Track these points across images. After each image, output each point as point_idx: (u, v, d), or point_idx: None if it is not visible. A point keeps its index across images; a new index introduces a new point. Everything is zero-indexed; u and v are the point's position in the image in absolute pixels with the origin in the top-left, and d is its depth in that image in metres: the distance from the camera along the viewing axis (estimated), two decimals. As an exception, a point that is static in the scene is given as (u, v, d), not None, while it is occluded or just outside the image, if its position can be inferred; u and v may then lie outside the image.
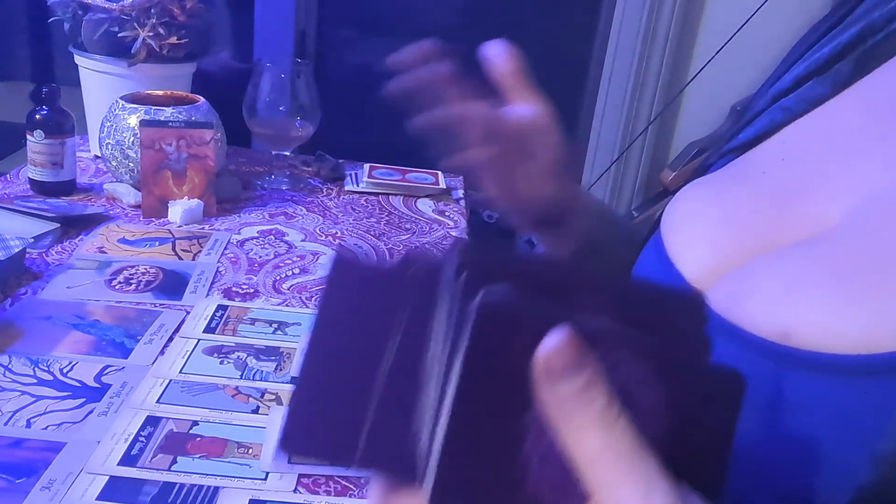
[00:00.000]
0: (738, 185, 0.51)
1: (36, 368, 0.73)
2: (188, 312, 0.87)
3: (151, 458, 0.63)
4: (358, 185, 1.33)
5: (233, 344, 0.81)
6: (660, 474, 0.29)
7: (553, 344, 0.27)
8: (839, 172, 0.46)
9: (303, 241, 1.10)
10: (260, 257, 1.04)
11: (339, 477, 0.64)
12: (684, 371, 0.31)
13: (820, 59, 0.51)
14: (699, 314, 0.33)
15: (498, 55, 0.47)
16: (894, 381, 0.36)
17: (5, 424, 0.65)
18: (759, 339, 0.41)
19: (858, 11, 0.51)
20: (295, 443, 0.31)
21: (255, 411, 0.71)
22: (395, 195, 1.32)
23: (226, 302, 0.90)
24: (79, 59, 1.27)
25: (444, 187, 1.35)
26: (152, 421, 0.68)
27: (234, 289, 0.94)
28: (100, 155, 1.22)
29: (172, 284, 0.93)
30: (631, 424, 0.28)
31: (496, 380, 0.28)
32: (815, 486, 0.38)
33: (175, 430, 0.67)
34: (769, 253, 0.46)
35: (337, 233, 1.14)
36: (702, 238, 0.50)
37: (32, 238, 0.96)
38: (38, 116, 1.11)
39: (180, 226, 1.10)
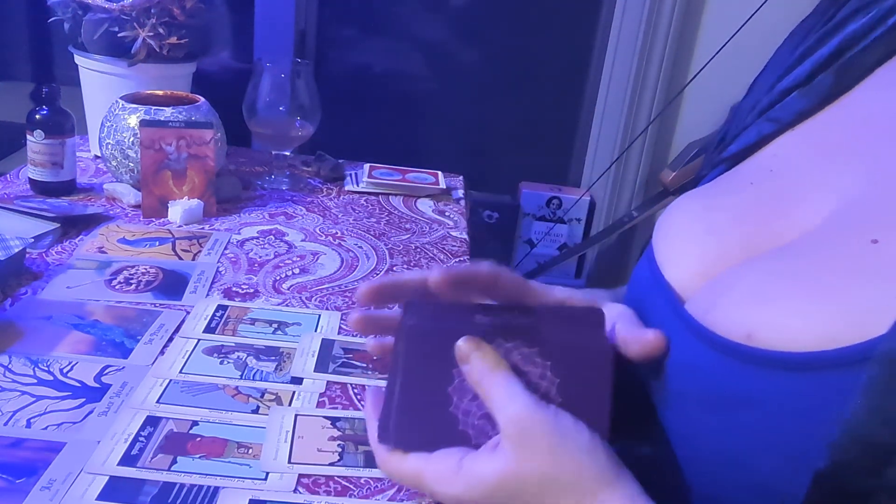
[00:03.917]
0: (727, 197, 0.54)
1: (36, 368, 0.73)
2: (188, 312, 0.87)
3: (151, 458, 0.63)
4: (358, 185, 1.33)
5: (233, 344, 0.81)
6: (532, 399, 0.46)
7: (460, 343, 0.48)
8: (821, 184, 0.48)
9: (303, 241, 1.10)
10: (260, 257, 1.04)
11: (339, 477, 0.64)
12: (562, 350, 0.48)
13: (803, 72, 0.53)
14: (595, 319, 0.50)
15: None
16: (845, 373, 0.38)
17: (5, 424, 0.65)
18: (726, 340, 0.44)
19: (837, 19, 0.53)
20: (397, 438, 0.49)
21: (255, 411, 0.71)
22: (395, 195, 1.32)
23: (226, 302, 0.90)
24: (79, 59, 1.27)
25: (444, 187, 1.35)
26: (152, 421, 0.68)
27: (234, 289, 0.94)
28: (100, 155, 1.22)
29: (172, 284, 0.93)
30: (511, 372, 0.47)
31: (427, 367, 0.49)
32: (777, 474, 0.41)
33: (175, 430, 0.67)
34: (744, 261, 0.49)
35: (337, 233, 1.14)
36: (688, 249, 0.53)
37: (32, 238, 0.96)
38: (38, 116, 1.11)
39: (180, 226, 1.10)
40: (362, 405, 0.73)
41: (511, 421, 0.45)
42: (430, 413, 0.49)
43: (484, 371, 0.47)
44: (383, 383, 0.69)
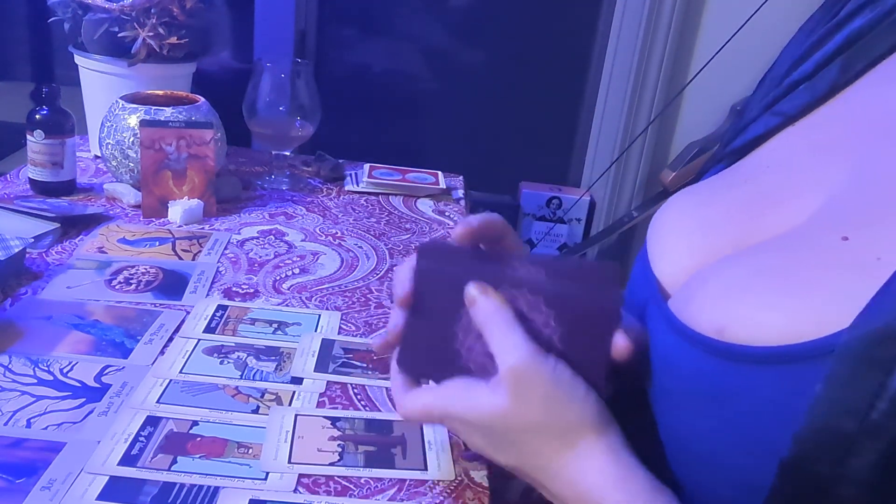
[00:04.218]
0: (721, 195, 0.55)
1: (36, 368, 0.73)
2: (188, 312, 0.87)
3: (151, 458, 0.63)
4: (358, 185, 1.33)
5: (233, 344, 0.81)
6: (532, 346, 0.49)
7: (469, 287, 0.51)
8: (814, 180, 0.49)
9: (303, 241, 1.10)
10: (260, 257, 1.04)
11: (339, 477, 0.64)
12: (567, 300, 0.50)
13: (810, 66, 0.54)
14: (606, 275, 0.51)
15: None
16: (809, 366, 0.39)
17: (5, 424, 0.65)
18: (700, 335, 0.45)
19: (843, 14, 0.54)
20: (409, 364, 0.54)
21: (255, 411, 0.71)
22: (395, 195, 1.32)
23: (226, 302, 0.90)
24: (79, 59, 1.27)
25: (444, 187, 1.35)
26: (152, 421, 0.68)
27: (234, 289, 0.94)
28: (100, 155, 1.22)
29: (172, 284, 0.93)
30: (514, 318, 0.49)
31: (437, 305, 0.53)
32: (747, 465, 0.42)
33: (175, 430, 0.67)
34: (724, 257, 0.50)
35: (337, 233, 1.14)
36: (678, 244, 0.55)
37: (32, 238, 0.96)
38: (38, 116, 1.11)
39: (180, 226, 1.10)
40: (363, 405, 0.73)
41: (510, 369, 0.48)
42: (436, 346, 0.53)
43: (488, 314, 0.50)
44: (384, 383, 0.73)
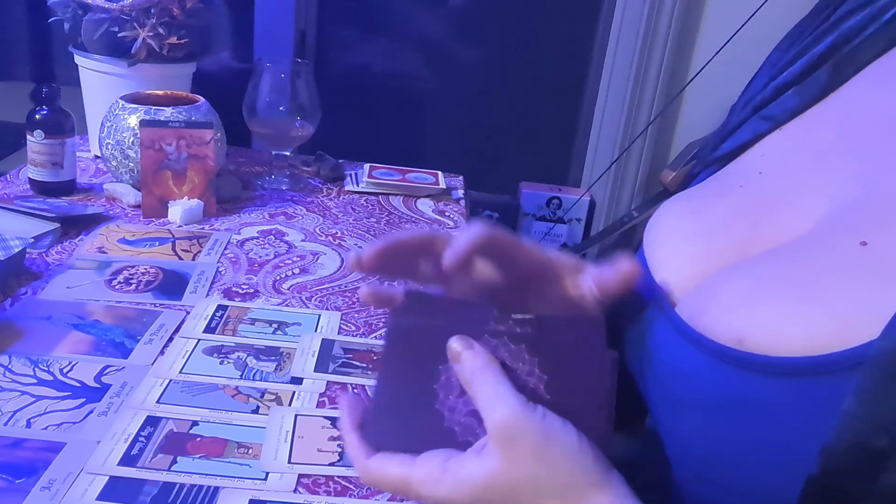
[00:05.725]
0: (717, 200, 0.54)
1: (36, 368, 0.73)
2: (188, 312, 0.87)
3: (151, 458, 0.63)
4: (358, 185, 1.33)
5: (233, 344, 0.81)
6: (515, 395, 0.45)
7: (451, 342, 0.48)
8: (812, 185, 0.47)
9: (303, 241, 1.10)
10: (260, 257, 1.04)
11: (339, 477, 0.64)
12: (553, 348, 0.48)
13: (797, 69, 0.53)
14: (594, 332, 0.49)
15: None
16: (837, 379, 0.38)
17: (5, 424, 0.65)
18: (717, 344, 0.44)
19: (833, 19, 0.53)
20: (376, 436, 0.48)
21: (255, 411, 0.71)
22: (395, 195, 1.32)
23: (226, 302, 0.90)
24: (79, 59, 1.27)
25: (444, 187, 1.35)
26: (152, 421, 0.68)
27: (234, 289, 0.94)
28: (100, 155, 1.22)
29: (172, 284, 0.93)
30: (501, 371, 0.47)
31: (413, 363, 0.49)
32: (769, 479, 0.41)
33: (175, 430, 0.67)
34: (733, 264, 0.48)
35: (337, 233, 1.14)
36: (678, 251, 0.53)
37: (32, 238, 0.96)
38: (38, 116, 1.11)
39: (180, 226, 1.10)
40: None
41: (497, 424, 0.45)
42: (415, 409, 0.48)
43: (474, 370, 0.46)
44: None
